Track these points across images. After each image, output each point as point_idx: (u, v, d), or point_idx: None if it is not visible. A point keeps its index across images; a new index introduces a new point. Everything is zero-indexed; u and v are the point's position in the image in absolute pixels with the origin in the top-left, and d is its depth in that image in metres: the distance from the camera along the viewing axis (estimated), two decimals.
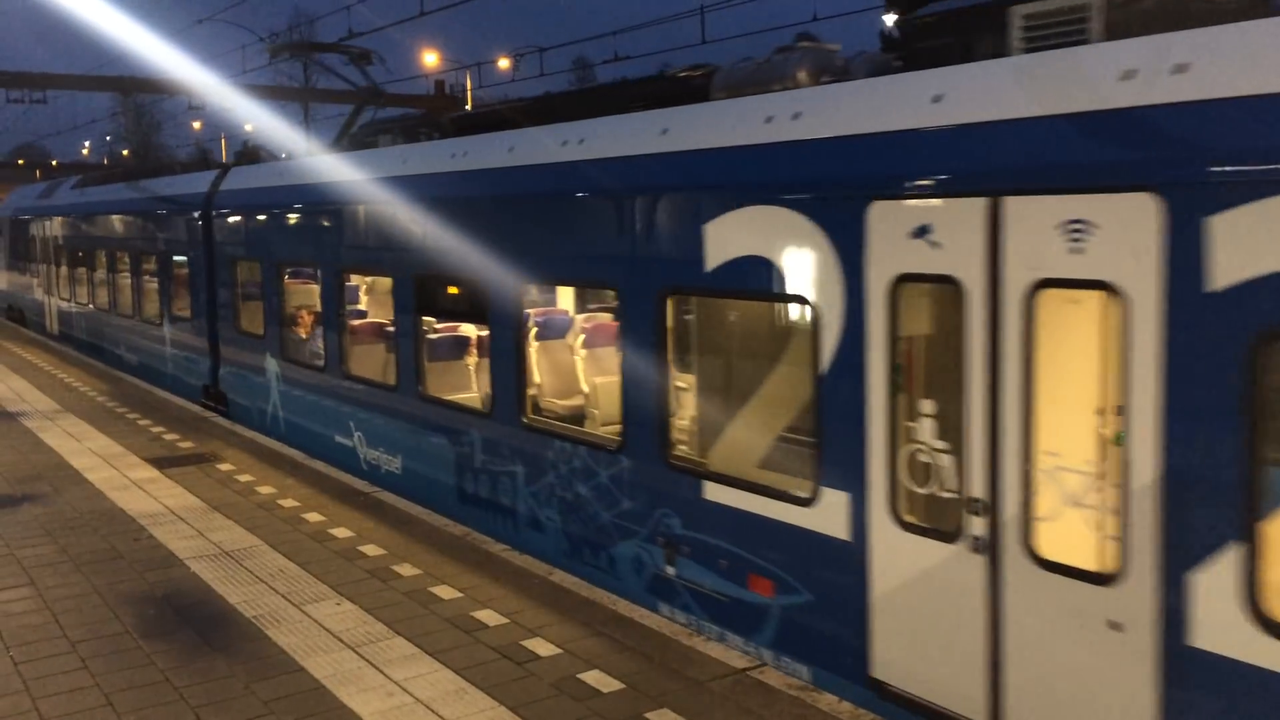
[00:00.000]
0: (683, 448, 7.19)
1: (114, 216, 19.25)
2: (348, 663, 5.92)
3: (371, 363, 11.36)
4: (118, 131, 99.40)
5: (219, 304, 14.30)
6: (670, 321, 6.92)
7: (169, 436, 11.98)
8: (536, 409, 8.67)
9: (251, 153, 15.80)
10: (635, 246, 7.07)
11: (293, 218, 12.18)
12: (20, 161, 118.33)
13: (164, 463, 10.70)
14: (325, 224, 11.32)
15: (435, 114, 11.98)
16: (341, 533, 8.31)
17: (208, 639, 6.28)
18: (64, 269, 22.89)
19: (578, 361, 9.46)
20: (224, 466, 10.53)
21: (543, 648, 6.07)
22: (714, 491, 6.58)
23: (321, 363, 11.61)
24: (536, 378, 9.11)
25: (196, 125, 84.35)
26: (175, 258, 16.09)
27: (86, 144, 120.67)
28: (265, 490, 9.62)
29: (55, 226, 23.33)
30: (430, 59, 51.95)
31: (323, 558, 7.73)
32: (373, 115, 14.38)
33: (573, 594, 6.91)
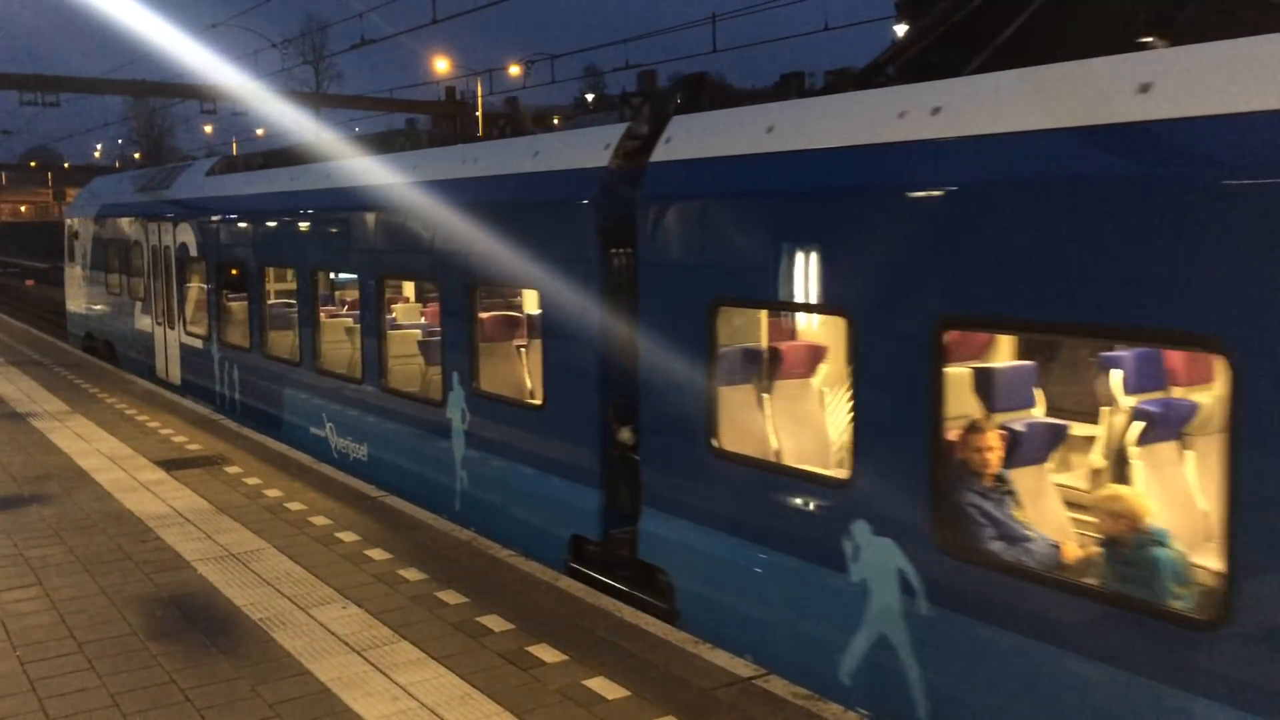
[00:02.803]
0: None
1: (326, 216, 11.93)
2: (354, 666, 5.93)
3: None
4: (130, 135, 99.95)
5: (652, 388, 7.30)
6: None
7: (178, 439, 12.01)
8: None
9: (695, 86, 8.42)
10: None
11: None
12: (32, 164, 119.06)
13: (172, 465, 10.72)
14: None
15: None
16: (348, 536, 8.32)
17: (214, 641, 6.29)
18: (196, 292, 15.92)
19: None
20: (232, 469, 10.55)
21: (548, 654, 6.07)
22: None
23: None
24: None
25: (208, 129, 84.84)
26: (479, 289, 9.39)
27: (99, 147, 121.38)
28: (273, 493, 9.64)
29: (182, 231, 16.09)
30: (442, 65, 52.16)
31: (329, 561, 7.74)
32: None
33: (579, 600, 6.91)
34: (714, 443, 6.82)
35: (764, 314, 7.71)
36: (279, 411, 13.04)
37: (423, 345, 11.22)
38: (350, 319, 12.61)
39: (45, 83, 42.32)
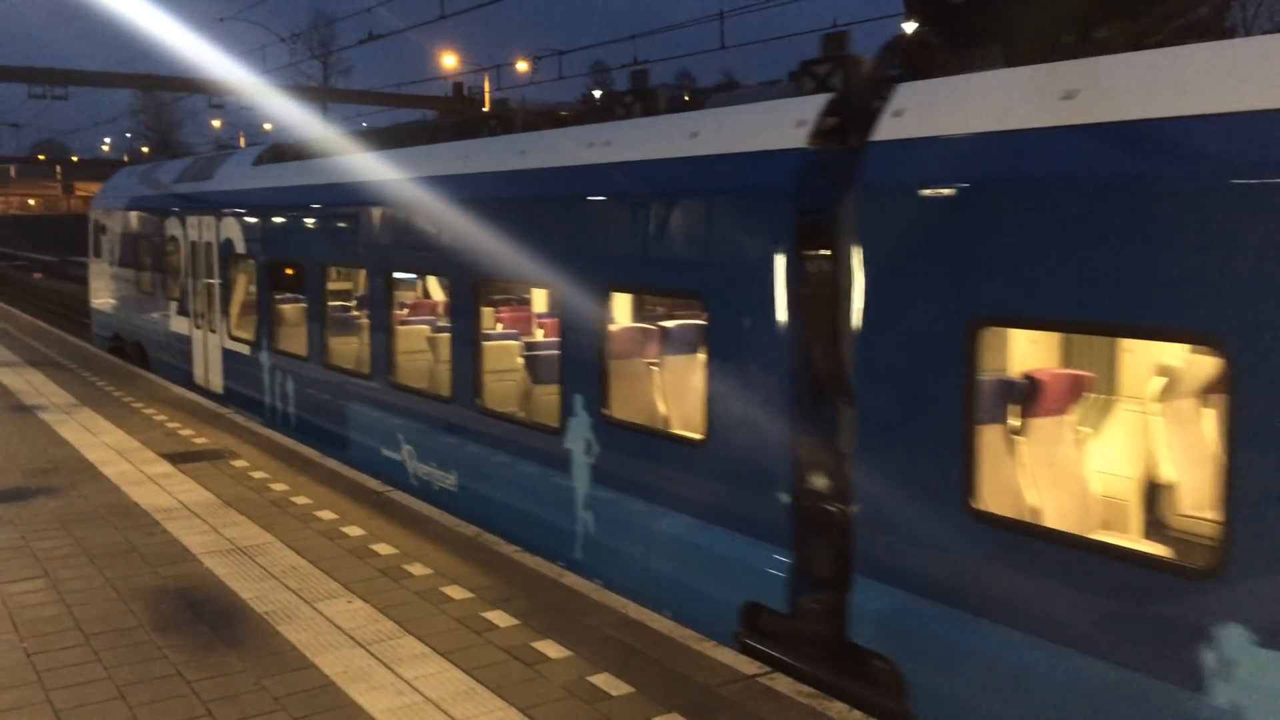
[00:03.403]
0: None
1: (406, 211, 10.23)
2: (358, 660, 5.94)
3: None
4: (138, 129, 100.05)
5: (875, 426, 5.82)
6: None
7: (184, 432, 12.03)
8: None
9: (921, 48, 6.41)
10: None
11: None
12: (41, 157, 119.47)
13: (179, 458, 10.74)
14: None
15: None
16: (354, 531, 8.34)
17: (220, 634, 6.30)
18: (243, 293, 14.66)
19: None
20: (238, 463, 10.57)
21: (553, 650, 6.08)
22: None
23: None
24: None
25: (216, 123, 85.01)
26: (612, 297, 8.24)
27: (107, 140, 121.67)
28: (279, 487, 9.66)
29: (226, 225, 14.54)
30: (449, 61, 52.16)
31: (334, 555, 7.76)
32: None
33: (584, 597, 6.91)
34: (972, 502, 5.29)
35: (1024, 335, 6.26)
36: (343, 429, 11.51)
37: (531, 361, 9.52)
38: (428, 326, 11.34)
39: (54, 76, 42.45)
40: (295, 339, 12.84)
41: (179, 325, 16.64)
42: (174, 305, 16.82)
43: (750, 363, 6.53)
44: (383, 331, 10.70)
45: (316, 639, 6.23)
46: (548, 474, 8.31)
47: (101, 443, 11.45)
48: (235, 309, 14.71)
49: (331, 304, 12.49)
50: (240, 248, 14.14)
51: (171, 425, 12.41)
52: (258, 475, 10.10)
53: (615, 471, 7.68)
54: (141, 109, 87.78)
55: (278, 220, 13.15)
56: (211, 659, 5.95)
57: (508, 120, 9.66)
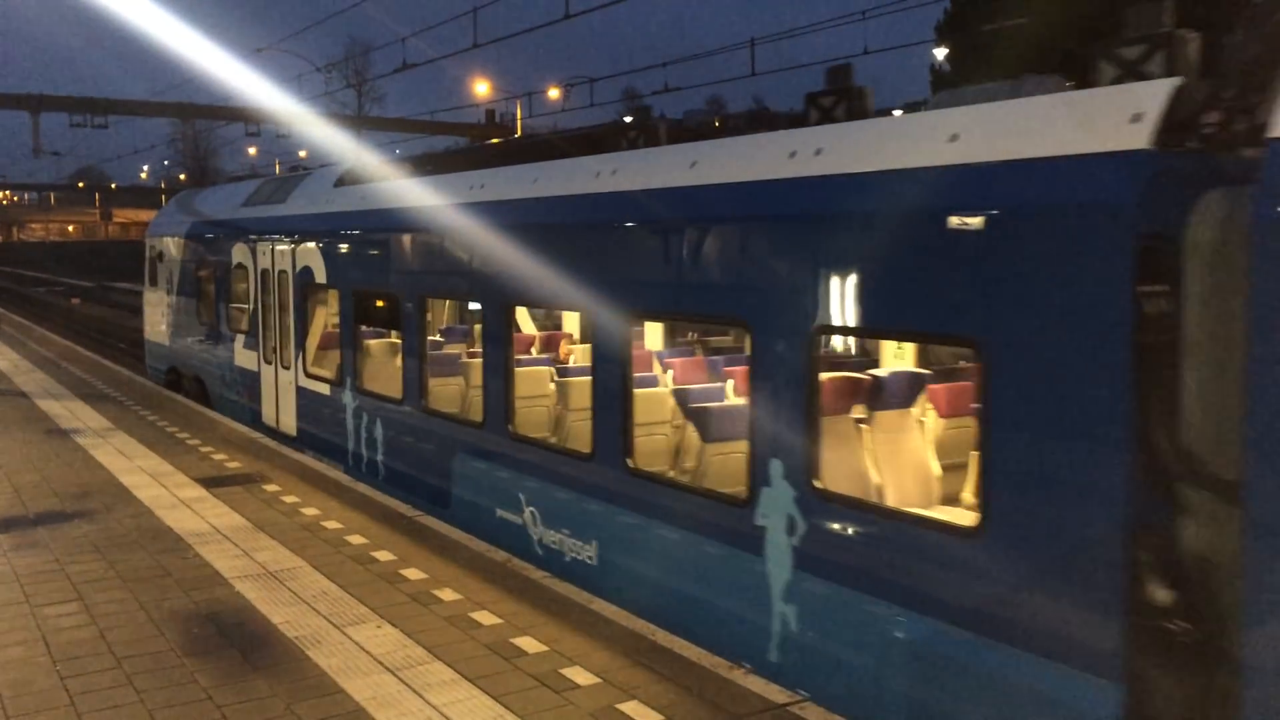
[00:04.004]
0: None
1: (535, 237, 8.74)
2: (387, 686, 5.93)
3: None
4: (175, 156, 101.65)
5: None
6: None
7: (217, 456, 12.13)
8: None
9: None
10: None
11: None
12: (80, 185, 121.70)
13: (212, 482, 10.82)
14: None
15: None
16: (384, 556, 8.35)
17: (250, 658, 6.32)
18: (323, 327, 13.38)
19: None
20: (270, 487, 10.64)
21: (581, 676, 6.05)
22: None
23: None
24: None
25: (252, 150, 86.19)
26: (821, 338, 6.51)
27: (145, 168, 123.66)
28: (310, 511, 9.70)
29: (304, 253, 13.15)
30: (482, 88, 52.67)
31: (364, 580, 7.77)
32: None
33: (612, 623, 6.88)
34: None
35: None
36: (445, 484, 10.07)
37: (699, 415, 7.99)
38: (552, 368, 10.24)
39: (94, 105, 43.19)
40: (387, 378, 11.48)
41: (246, 359, 15.14)
42: (240, 338, 15.35)
43: (1057, 433, 5.04)
44: (500, 373, 9.22)
45: (346, 664, 6.23)
46: (728, 554, 6.84)
47: (136, 467, 11.56)
48: (313, 343, 13.32)
49: (433, 339, 11.21)
50: (320, 276, 12.78)
51: (204, 450, 12.51)
52: (289, 500, 10.15)
53: (831, 558, 6.16)
54: (179, 137, 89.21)
55: (367, 247, 11.81)
56: (242, 683, 5.97)
57: (651, 131, 8.49)
